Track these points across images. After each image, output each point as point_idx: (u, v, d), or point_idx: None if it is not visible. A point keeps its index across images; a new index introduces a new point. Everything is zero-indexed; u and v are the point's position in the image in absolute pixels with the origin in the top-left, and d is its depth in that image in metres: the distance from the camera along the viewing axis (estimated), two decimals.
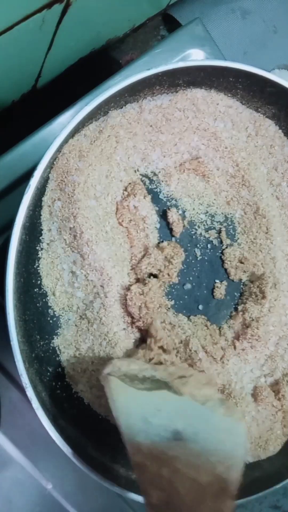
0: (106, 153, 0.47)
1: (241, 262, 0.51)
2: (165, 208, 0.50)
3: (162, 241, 0.49)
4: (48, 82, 0.63)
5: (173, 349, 0.44)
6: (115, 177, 0.48)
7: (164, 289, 0.49)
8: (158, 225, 0.50)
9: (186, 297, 0.50)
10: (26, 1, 0.39)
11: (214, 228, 0.51)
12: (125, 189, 0.48)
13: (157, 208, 0.50)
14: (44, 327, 0.46)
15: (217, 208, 0.51)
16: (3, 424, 0.52)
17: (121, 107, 0.47)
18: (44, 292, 0.47)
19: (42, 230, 0.46)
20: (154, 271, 0.47)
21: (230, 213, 0.52)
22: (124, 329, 0.46)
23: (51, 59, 0.55)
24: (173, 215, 0.49)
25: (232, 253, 0.51)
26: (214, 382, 0.40)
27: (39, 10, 0.41)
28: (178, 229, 0.50)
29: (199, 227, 0.51)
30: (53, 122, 0.53)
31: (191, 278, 0.50)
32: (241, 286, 0.51)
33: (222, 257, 0.51)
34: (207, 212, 0.51)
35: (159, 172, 0.50)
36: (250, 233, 0.51)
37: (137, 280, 0.47)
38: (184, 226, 0.50)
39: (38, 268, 0.46)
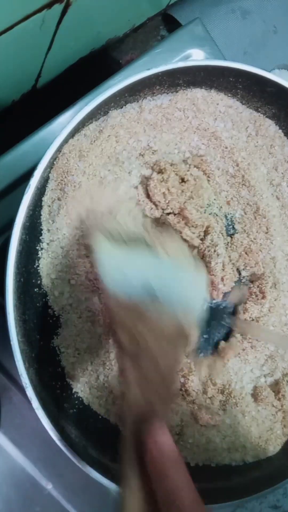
0: (107, 152, 0.47)
1: (246, 253, 0.51)
2: None
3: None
4: (48, 82, 0.63)
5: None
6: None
7: None
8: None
9: None
10: (26, 1, 0.39)
11: None
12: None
13: None
14: (44, 327, 0.46)
15: (217, 208, 0.51)
16: (3, 424, 0.52)
17: (121, 107, 0.47)
18: (44, 292, 0.47)
19: (42, 230, 0.46)
20: None
21: (230, 213, 0.52)
22: None
23: (51, 59, 0.54)
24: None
25: (240, 240, 0.51)
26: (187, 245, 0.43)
27: (39, 10, 0.41)
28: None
29: None
30: (53, 122, 0.53)
31: None
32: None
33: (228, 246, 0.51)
34: (206, 212, 0.51)
35: None
36: (250, 233, 0.51)
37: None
38: None
39: (38, 268, 0.46)
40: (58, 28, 0.47)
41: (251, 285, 0.50)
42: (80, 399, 0.47)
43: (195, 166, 0.50)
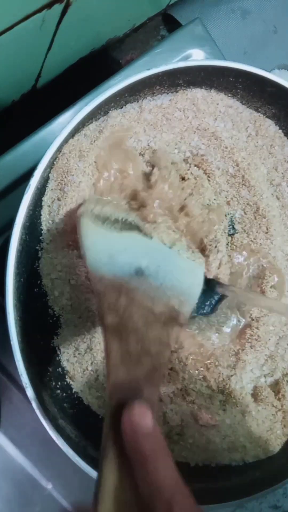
0: None
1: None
2: None
3: None
4: (48, 82, 0.63)
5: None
6: None
7: None
8: None
9: None
10: (26, 1, 0.39)
11: None
12: None
13: None
14: (44, 327, 0.46)
15: (217, 207, 0.51)
16: (3, 424, 0.52)
17: (121, 107, 0.47)
18: (44, 292, 0.47)
19: (42, 230, 0.46)
20: None
21: (230, 213, 0.52)
22: None
23: (51, 59, 0.54)
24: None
25: (240, 240, 0.51)
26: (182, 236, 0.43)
27: (39, 10, 0.41)
28: None
29: None
30: (53, 122, 0.53)
31: None
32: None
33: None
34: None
35: None
36: (250, 233, 0.51)
37: None
38: None
39: (38, 268, 0.46)
40: (58, 28, 0.47)
41: (251, 285, 0.51)
42: (80, 399, 0.47)
43: (195, 165, 0.50)
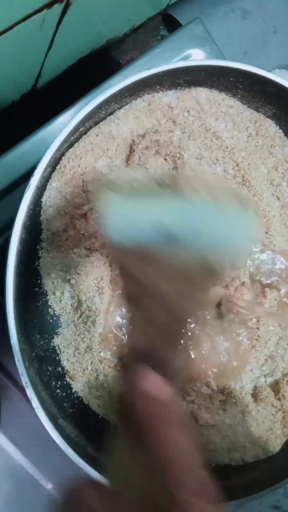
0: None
1: None
2: None
3: None
4: (48, 82, 0.63)
5: None
6: None
7: None
8: None
9: None
10: (26, 1, 0.39)
11: None
12: None
13: None
14: (44, 326, 0.46)
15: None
16: (3, 424, 0.52)
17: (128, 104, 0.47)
18: (44, 291, 0.47)
19: (42, 229, 0.46)
20: None
21: None
22: None
23: (51, 59, 0.54)
24: None
25: None
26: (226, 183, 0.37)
27: (39, 10, 0.41)
28: None
29: None
30: (53, 122, 0.53)
31: None
32: None
33: None
34: None
35: None
36: None
37: None
38: None
39: (38, 268, 0.46)
40: (58, 28, 0.47)
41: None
42: (80, 399, 0.47)
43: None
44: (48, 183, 0.45)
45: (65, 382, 0.47)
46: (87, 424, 0.46)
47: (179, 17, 0.62)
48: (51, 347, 0.47)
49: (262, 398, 0.48)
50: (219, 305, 0.49)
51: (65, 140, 0.42)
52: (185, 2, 0.63)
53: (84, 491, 0.26)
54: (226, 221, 0.33)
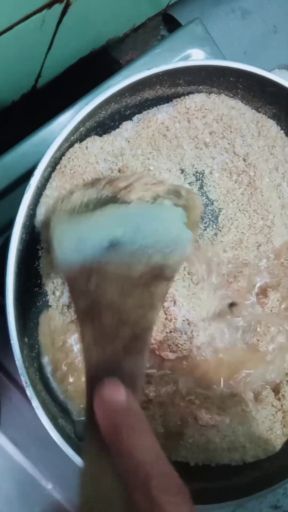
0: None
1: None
2: None
3: None
4: (48, 82, 0.63)
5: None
6: None
7: None
8: None
9: None
10: (26, 1, 0.39)
11: None
12: None
13: None
14: None
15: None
16: (3, 424, 0.52)
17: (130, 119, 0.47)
18: (44, 291, 0.47)
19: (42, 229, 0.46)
20: None
21: None
22: None
23: (51, 59, 0.54)
24: None
25: None
26: (165, 182, 0.37)
27: (39, 10, 0.41)
28: None
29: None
30: (53, 122, 0.53)
31: None
32: None
33: None
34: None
35: None
36: None
37: None
38: None
39: (38, 268, 0.46)
40: (58, 28, 0.47)
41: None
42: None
43: None
44: (48, 183, 0.45)
45: None
46: None
47: (179, 17, 0.62)
48: None
49: (262, 398, 0.48)
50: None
51: (65, 140, 0.42)
52: (185, 2, 0.63)
53: None
54: (160, 217, 0.35)
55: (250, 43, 0.63)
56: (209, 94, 0.49)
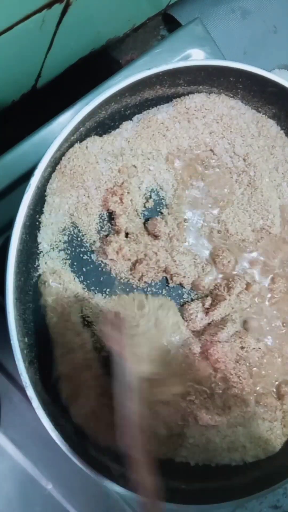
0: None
1: None
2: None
3: None
4: (48, 82, 0.63)
5: None
6: None
7: None
8: None
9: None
10: (26, 1, 0.39)
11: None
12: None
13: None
14: (44, 326, 0.46)
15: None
16: (3, 424, 0.52)
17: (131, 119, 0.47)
18: None
19: None
20: None
21: None
22: None
23: (51, 59, 0.55)
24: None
25: None
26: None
27: (39, 10, 0.41)
28: None
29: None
30: (53, 122, 0.53)
31: None
32: None
33: None
34: None
35: None
36: None
37: None
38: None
39: (38, 267, 0.46)
40: (58, 28, 0.47)
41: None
42: None
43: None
44: (48, 183, 0.45)
45: None
46: None
47: (179, 17, 0.62)
48: (51, 347, 0.47)
49: (262, 398, 0.48)
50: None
51: (65, 140, 0.42)
52: (185, 2, 0.63)
53: None
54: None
55: (250, 43, 0.63)
56: (209, 94, 0.49)
